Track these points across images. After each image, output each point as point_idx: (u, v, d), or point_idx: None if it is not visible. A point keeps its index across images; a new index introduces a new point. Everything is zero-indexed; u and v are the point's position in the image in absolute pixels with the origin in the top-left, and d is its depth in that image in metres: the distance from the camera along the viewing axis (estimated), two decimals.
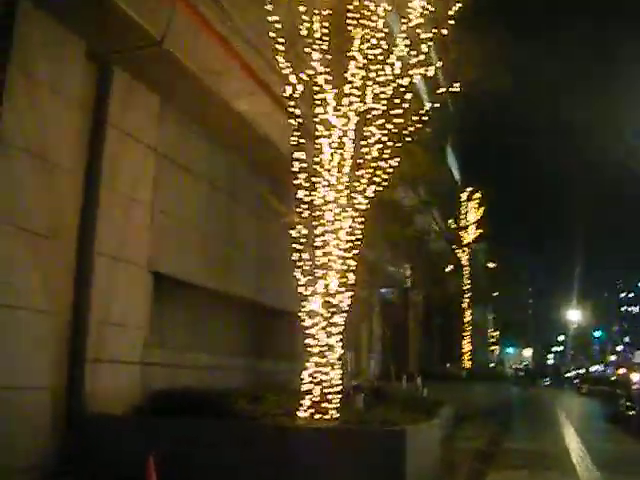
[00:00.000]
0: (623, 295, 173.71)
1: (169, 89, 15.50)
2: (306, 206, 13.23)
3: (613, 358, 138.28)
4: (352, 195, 13.45)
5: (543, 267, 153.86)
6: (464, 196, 45.71)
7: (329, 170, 13.37)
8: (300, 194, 13.22)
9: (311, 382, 12.68)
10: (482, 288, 43.52)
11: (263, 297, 20.14)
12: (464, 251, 42.59)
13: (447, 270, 38.84)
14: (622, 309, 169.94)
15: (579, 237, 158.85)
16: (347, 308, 13.22)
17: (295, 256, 13.20)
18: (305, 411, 12.44)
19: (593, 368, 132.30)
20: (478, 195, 45.34)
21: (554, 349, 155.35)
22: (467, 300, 42.64)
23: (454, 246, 41.83)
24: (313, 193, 13.31)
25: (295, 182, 13.22)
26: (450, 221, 43.20)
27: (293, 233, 13.23)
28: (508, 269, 50.81)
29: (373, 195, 13.69)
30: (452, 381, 34.13)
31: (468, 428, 25.26)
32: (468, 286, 42.29)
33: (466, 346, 41.98)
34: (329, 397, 12.54)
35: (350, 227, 13.38)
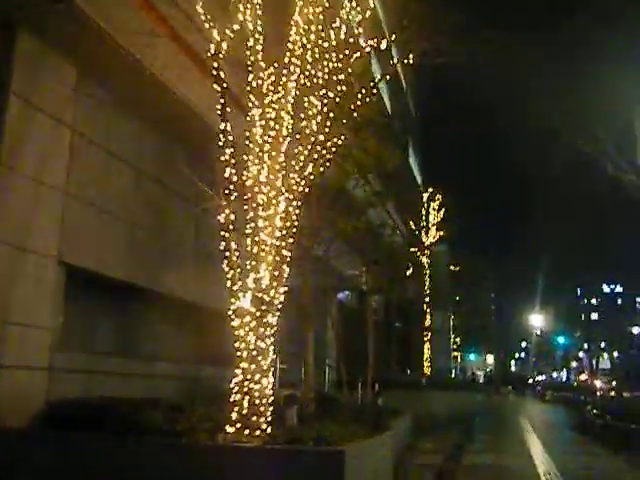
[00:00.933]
0: (585, 302, 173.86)
1: (88, 59, 13.54)
2: (234, 187, 11.37)
3: (575, 364, 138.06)
4: (288, 175, 11.65)
5: (507, 272, 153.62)
6: (425, 197, 44.20)
7: (262, 146, 11.57)
8: (227, 173, 11.35)
9: (239, 392, 10.88)
10: (443, 292, 41.78)
11: (202, 297, 18.07)
12: (424, 253, 40.90)
13: (407, 273, 37.11)
14: (583, 315, 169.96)
15: (543, 243, 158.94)
16: (281, 306, 11.43)
17: (222, 245, 11.35)
18: (232, 425, 10.61)
19: (554, 374, 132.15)
20: (439, 197, 43.79)
21: (517, 355, 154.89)
22: (427, 304, 41.03)
23: (413, 248, 40.09)
24: (243, 172, 11.50)
25: (221, 159, 11.36)
26: (410, 223, 41.55)
27: (220, 218, 11.37)
28: (470, 273, 49.23)
29: (312, 176, 11.91)
30: (411, 389, 32.44)
31: (428, 440, 23.63)
32: (428, 290, 40.58)
33: (426, 352, 40.29)
34: (260, 409, 10.74)
35: (285, 212, 11.57)
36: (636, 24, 24.30)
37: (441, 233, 42.94)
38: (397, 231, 34.30)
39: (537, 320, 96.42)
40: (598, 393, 49.04)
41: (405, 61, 13.88)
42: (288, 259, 11.52)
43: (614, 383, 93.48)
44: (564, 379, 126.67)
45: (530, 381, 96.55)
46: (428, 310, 40.97)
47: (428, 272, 40.53)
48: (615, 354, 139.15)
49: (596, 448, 22.37)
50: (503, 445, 22.42)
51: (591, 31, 23.77)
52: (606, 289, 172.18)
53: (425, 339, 40.74)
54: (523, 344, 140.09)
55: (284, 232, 11.50)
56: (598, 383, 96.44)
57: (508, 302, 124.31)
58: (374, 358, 41.75)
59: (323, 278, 30.14)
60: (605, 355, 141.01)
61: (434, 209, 43.62)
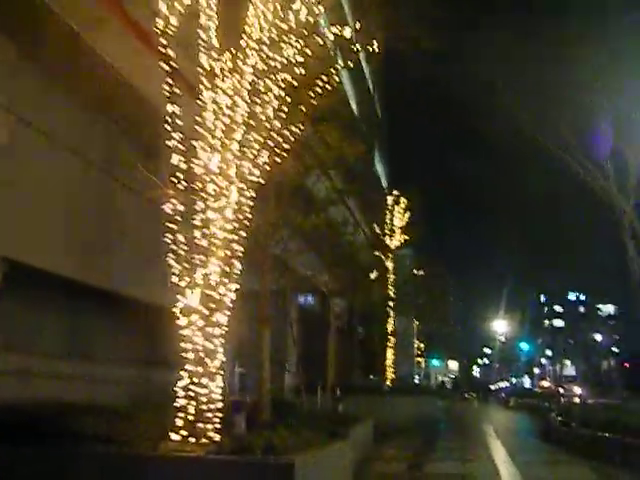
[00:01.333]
0: (548, 310, 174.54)
1: (29, 37, 12.61)
2: (182, 176, 10.51)
3: (537, 371, 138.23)
4: (242, 164, 10.82)
5: (471, 278, 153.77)
6: (390, 200, 43.49)
7: (213, 132, 10.73)
8: (175, 159, 10.50)
9: (185, 396, 10.04)
10: (407, 296, 40.91)
11: (153, 294, 17.03)
12: (388, 257, 40.14)
13: (371, 276, 36.39)
14: (546, 322, 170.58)
15: (508, 248, 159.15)
16: (231, 305, 10.59)
17: (168, 238, 10.49)
18: (178, 433, 9.76)
19: (514, 380, 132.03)
20: (404, 200, 43.09)
21: (480, 362, 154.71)
22: (391, 309, 40.28)
23: (377, 252, 39.34)
24: (192, 160, 10.65)
25: (168, 144, 10.50)
26: (374, 225, 40.79)
27: (167, 209, 10.51)
28: (434, 278, 48.50)
29: (267, 166, 11.10)
30: (374, 394, 31.78)
31: (390, 447, 22.87)
32: (392, 294, 39.78)
33: (389, 358, 39.49)
34: (207, 415, 9.92)
35: (237, 204, 10.74)
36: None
37: (406, 237, 42.22)
38: (360, 232, 33.51)
39: (501, 326, 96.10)
40: (562, 400, 48.48)
41: (370, 48, 13.08)
42: (240, 254, 10.70)
43: (578, 390, 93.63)
44: (526, 386, 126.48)
45: (493, 387, 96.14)
46: (391, 315, 40.23)
47: (392, 276, 39.74)
48: (575, 361, 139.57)
49: (561, 455, 21.71)
50: (467, 453, 21.69)
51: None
52: (570, 297, 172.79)
53: (388, 344, 40.00)
54: (486, 350, 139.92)
55: (236, 225, 10.68)
56: (577, 389, 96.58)
57: (472, 308, 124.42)
58: (336, 363, 41.14)
59: (281, 279, 29.47)
60: (568, 362, 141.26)
61: (399, 212, 42.90)
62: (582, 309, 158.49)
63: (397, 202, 43.42)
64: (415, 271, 44.57)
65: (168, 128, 10.49)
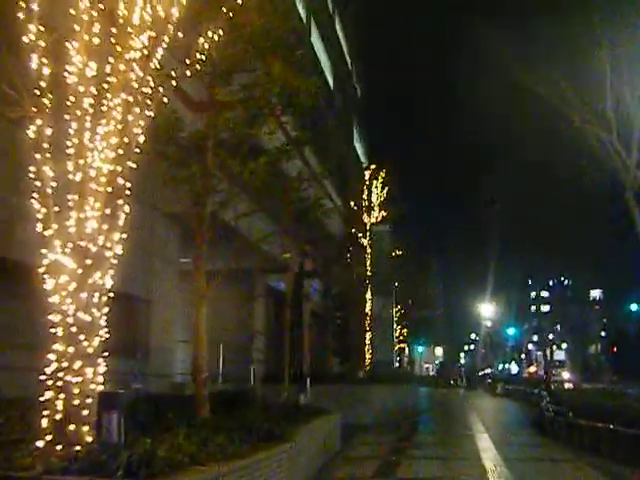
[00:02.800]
0: (534, 294, 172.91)
1: None
2: (48, 86, 7.59)
3: (523, 357, 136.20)
4: (129, 70, 7.90)
5: (456, 261, 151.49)
6: (367, 175, 40.57)
7: (90, 28, 7.81)
8: (36, 63, 7.56)
9: (52, 387, 7.21)
10: (385, 276, 37.67)
11: (14, 248, 12.39)
12: (365, 235, 37.08)
13: (344, 254, 33.52)
14: (532, 308, 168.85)
15: (494, 231, 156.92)
16: (115, 261, 7.70)
17: (31, 172, 7.57)
18: (42, 438, 6.96)
19: (500, 367, 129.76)
20: (383, 174, 40.12)
21: (466, 348, 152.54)
22: (368, 290, 37.36)
23: (352, 229, 36.32)
24: (63, 66, 7.73)
25: (26, 42, 7.56)
26: (350, 202, 37.83)
27: (29, 133, 7.58)
28: (415, 258, 45.50)
29: (174, 80, 8.20)
30: (348, 383, 28.84)
31: (360, 444, 20.06)
32: (369, 274, 36.73)
33: (367, 343, 36.55)
34: (80, 413, 7.09)
35: (123, 123, 7.82)
36: None
37: (384, 213, 39.28)
38: (328, 199, 30.43)
39: (487, 310, 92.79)
40: (552, 386, 45.75)
41: None
42: (127, 193, 7.78)
43: (566, 375, 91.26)
44: (513, 372, 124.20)
45: (480, 374, 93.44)
46: (369, 297, 37.32)
47: (369, 255, 36.65)
48: (564, 346, 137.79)
49: (559, 451, 18.88)
50: (450, 450, 18.85)
51: None
52: (555, 281, 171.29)
53: (366, 328, 37.13)
54: (472, 336, 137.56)
55: (121, 152, 7.74)
56: (566, 374, 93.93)
57: (456, 292, 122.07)
58: (309, 350, 38.20)
59: (245, 258, 26.60)
60: (561, 346, 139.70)
61: (376, 187, 39.96)
62: (569, 293, 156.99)
63: (375, 176, 40.51)
64: (395, 251, 41.35)
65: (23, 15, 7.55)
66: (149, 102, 8.28)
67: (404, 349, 73.63)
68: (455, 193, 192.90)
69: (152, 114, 8.40)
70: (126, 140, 7.86)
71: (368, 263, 36.45)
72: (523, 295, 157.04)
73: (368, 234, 37.11)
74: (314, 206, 17.94)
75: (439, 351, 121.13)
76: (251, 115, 13.58)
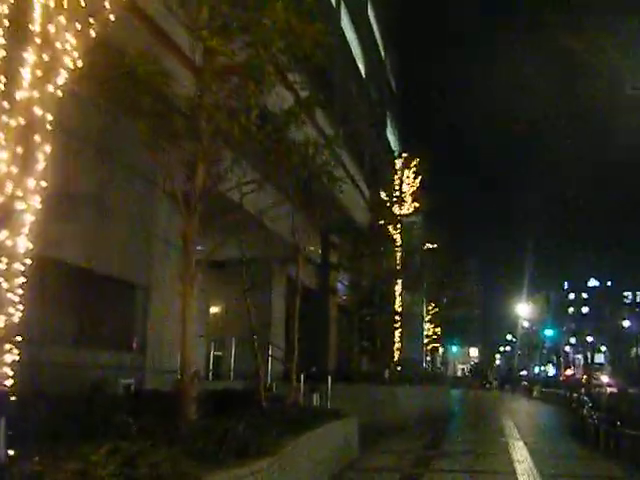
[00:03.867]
0: (573, 295, 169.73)
1: None
2: None
3: (560, 359, 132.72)
4: None
5: (493, 261, 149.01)
6: (399, 164, 38.53)
7: None
8: None
9: None
10: (416, 270, 35.28)
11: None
12: (396, 227, 34.86)
13: (374, 246, 31.36)
14: (570, 309, 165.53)
15: (532, 233, 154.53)
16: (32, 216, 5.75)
17: None
18: None
19: (537, 370, 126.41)
20: (415, 163, 38.04)
21: (501, 349, 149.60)
22: (398, 285, 35.22)
23: (383, 220, 33.94)
24: None
25: None
26: (381, 192, 35.56)
27: None
28: (449, 252, 42.99)
29: None
30: (373, 384, 26.73)
31: (379, 452, 17.98)
32: (399, 268, 34.48)
33: (395, 341, 34.38)
34: None
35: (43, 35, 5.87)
36: None
37: (416, 205, 37.14)
38: (348, 177, 28.14)
39: (524, 310, 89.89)
40: (593, 390, 43.20)
41: None
42: (49, 128, 5.80)
43: (605, 379, 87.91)
44: (549, 374, 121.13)
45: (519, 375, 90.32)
46: (398, 292, 35.19)
47: (399, 248, 34.44)
48: (603, 348, 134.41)
49: (606, 467, 16.56)
50: (482, 461, 16.63)
51: None
52: (594, 283, 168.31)
53: (395, 325, 35.00)
54: (508, 337, 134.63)
55: (40, 73, 5.79)
56: (605, 378, 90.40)
57: (493, 293, 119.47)
58: (335, 347, 36.12)
59: (263, 246, 24.65)
60: (600, 349, 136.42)
61: (408, 177, 37.85)
62: (609, 295, 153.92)
63: (407, 166, 38.40)
64: (428, 245, 38.91)
65: None
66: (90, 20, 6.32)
67: (437, 349, 71.43)
68: (493, 188, 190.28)
69: (94, 33, 6.43)
70: (47, 58, 5.89)
71: (398, 256, 34.33)
72: (561, 296, 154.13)
73: (398, 226, 34.97)
74: (320, 171, 15.72)
75: (474, 352, 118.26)
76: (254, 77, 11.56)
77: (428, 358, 67.78)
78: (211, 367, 24.48)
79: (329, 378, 20.95)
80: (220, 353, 25.53)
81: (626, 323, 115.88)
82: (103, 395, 10.27)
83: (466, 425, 28.38)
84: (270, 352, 25.86)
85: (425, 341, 57.11)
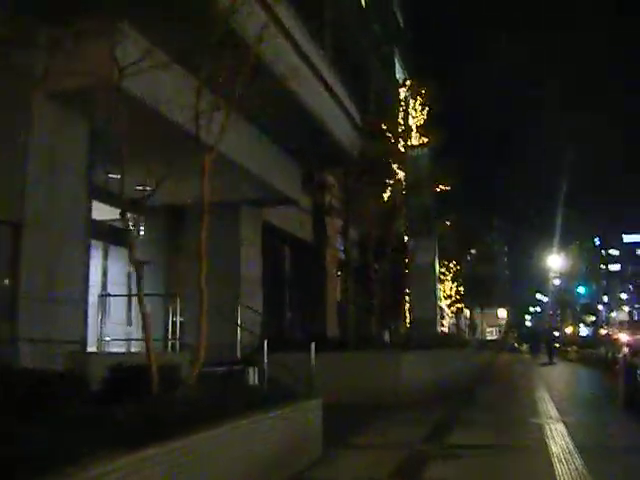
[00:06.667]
0: (604, 252, 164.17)
1: None
2: None
3: (593, 318, 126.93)
4: None
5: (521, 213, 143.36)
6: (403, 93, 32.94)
7: None
8: None
9: None
10: (424, 212, 28.99)
11: None
12: (401, 164, 28.93)
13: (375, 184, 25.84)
14: (602, 267, 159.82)
15: (560, 186, 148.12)
16: None
17: None
18: None
19: (567, 330, 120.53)
20: (424, 92, 32.30)
21: (531, 309, 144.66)
22: (406, 234, 29.69)
23: (384, 156, 27.86)
24: None
25: None
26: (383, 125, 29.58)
27: None
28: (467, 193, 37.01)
29: None
30: (371, 350, 21.33)
31: (359, 448, 12.57)
32: (405, 211, 28.74)
33: (404, 299, 28.72)
34: None
35: None
36: None
37: (425, 140, 31.36)
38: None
39: (555, 262, 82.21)
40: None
41: None
42: None
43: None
44: (582, 334, 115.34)
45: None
46: (407, 240, 29.63)
47: (404, 188, 28.49)
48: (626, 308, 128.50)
49: None
50: (504, 464, 11.09)
51: None
52: (626, 239, 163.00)
53: (404, 281, 29.54)
54: (538, 296, 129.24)
55: None
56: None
57: (522, 249, 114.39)
58: (333, 309, 30.84)
59: (228, 185, 19.49)
60: (627, 309, 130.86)
61: (415, 109, 32.13)
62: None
63: (414, 96, 32.63)
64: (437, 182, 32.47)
65: None
66: None
67: (462, 309, 66.39)
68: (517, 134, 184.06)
69: None
70: None
71: (403, 197, 28.48)
72: (592, 253, 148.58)
73: (404, 162, 29.10)
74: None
75: (502, 313, 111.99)
76: None
77: (452, 320, 62.81)
78: (170, 336, 19.42)
79: (312, 346, 15.84)
80: (183, 319, 20.40)
81: None
82: None
83: (489, 401, 22.60)
84: (239, 315, 20.84)
85: (447, 302, 52.05)
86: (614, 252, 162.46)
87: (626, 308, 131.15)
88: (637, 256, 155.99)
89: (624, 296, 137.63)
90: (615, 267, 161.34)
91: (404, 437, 13.48)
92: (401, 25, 53.76)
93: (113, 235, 20.08)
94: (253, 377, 12.10)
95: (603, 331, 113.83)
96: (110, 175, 15.59)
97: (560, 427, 14.36)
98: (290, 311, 28.91)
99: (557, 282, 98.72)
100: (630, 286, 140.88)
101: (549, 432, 13.72)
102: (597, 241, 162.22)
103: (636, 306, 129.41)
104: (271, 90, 14.97)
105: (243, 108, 11.12)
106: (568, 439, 12.71)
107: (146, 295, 9.34)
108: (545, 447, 11.91)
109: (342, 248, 28.15)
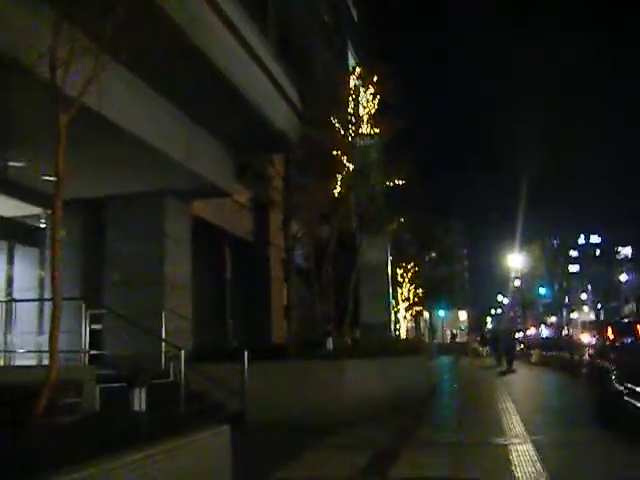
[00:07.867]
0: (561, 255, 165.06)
1: None
2: None
3: (554, 320, 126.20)
4: None
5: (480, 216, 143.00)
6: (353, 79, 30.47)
7: None
8: None
9: None
10: (374, 208, 26.34)
11: None
12: (348, 155, 26.33)
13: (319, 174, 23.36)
14: (566, 266, 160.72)
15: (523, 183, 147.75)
16: None
17: None
18: None
19: (529, 332, 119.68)
20: (376, 79, 29.81)
21: (492, 312, 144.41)
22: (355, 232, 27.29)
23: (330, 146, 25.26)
24: None
25: None
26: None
27: None
28: (421, 191, 34.49)
29: None
30: (310, 360, 18.66)
31: (295, 476, 10.25)
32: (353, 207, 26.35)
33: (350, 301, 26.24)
34: None
35: None
36: None
37: (376, 130, 28.82)
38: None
39: (517, 261, 79.69)
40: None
41: None
42: None
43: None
44: (543, 335, 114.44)
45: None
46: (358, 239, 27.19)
47: (352, 178, 25.92)
48: (599, 306, 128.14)
49: None
50: None
51: None
52: (582, 241, 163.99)
53: (351, 284, 27.17)
54: (499, 298, 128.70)
55: None
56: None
57: (480, 251, 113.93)
58: (279, 314, 28.33)
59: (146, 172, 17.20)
60: (586, 308, 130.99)
61: (367, 99, 29.71)
62: (598, 252, 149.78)
63: (365, 84, 30.19)
64: (394, 181, 30.00)
65: None
66: None
67: (422, 313, 64.93)
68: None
69: None
70: None
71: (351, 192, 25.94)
72: (551, 255, 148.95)
73: (351, 152, 26.55)
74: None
75: (463, 315, 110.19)
76: None
77: (411, 324, 61.26)
78: (86, 347, 16.59)
79: (245, 355, 13.55)
80: (99, 326, 17.94)
81: (623, 277, 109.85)
82: None
83: (446, 415, 20.12)
84: (163, 323, 18.43)
85: (405, 305, 50.25)
86: (573, 253, 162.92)
87: (586, 308, 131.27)
88: (597, 257, 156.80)
89: (584, 296, 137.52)
90: (574, 268, 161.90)
91: (338, 469, 10.95)
92: (354, 18, 52.06)
93: (21, 233, 18.00)
94: (139, 400, 9.50)
95: (564, 332, 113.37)
96: (10, 163, 13.37)
97: (529, 449, 11.97)
98: (231, 317, 26.29)
99: (518, 283, 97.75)
100: (589, 286, 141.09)
101: (515, 457, 11.31)
102: (555, 242, 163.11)
103: (598, 306, 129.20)
104: (177, 49, 12.60)
105: (119, 53, 8.60)
106: (539, 465, 10.35)
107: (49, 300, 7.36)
108: (508, 459, 9.54)
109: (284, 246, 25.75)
